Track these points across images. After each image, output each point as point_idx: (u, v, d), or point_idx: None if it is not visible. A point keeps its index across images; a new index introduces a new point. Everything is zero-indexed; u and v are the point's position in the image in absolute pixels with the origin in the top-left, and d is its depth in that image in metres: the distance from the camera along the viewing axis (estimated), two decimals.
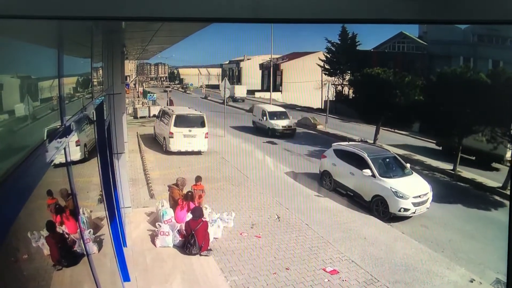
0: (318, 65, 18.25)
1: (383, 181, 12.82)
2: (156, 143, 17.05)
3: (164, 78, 21.14)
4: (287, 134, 18.12)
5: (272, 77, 19.80)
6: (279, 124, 18.10)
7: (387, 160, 13.55)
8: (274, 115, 18.31)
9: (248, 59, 20.85)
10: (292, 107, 19.08)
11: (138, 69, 20.36)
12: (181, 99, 20.25)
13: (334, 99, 18.34)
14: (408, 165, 13.55)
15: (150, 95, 19.56)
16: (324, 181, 14.30)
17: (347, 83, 18.04)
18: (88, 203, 9.33)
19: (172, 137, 15.80)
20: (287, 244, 11.58)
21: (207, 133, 15.94)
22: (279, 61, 19.84)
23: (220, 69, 21.65)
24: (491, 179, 13.92)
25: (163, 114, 17.00)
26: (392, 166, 13.46)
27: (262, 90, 20.81)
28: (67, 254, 6.66)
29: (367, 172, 13.02)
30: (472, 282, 10.27)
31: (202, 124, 15.97)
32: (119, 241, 9.57)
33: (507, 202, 12.74)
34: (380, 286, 10.02)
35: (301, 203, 13.41)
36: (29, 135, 4.65)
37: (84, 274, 6.94)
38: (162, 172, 15.00)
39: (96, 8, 3.69)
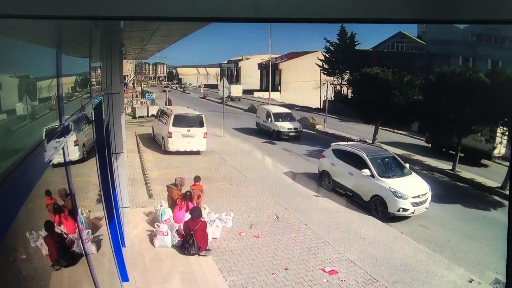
0: (317, 64, 18.23)
1: (382, 181, 12.82)
2: (154, 143, 17.04)
3: (163, 77, 21.14)
4: (293, 137, 17.78)
5: (270, 77, 19.79)
6: (285, 126, 17.79)
7: (386, 160, 13.55)
8: (279, 116, 18.02)
9: (246, 59, 20.85)
10: (291, 106, 19.02)
11: (137, 68, 20.36)
12: (180, 98, 20.24)
13: (333, 99, 18.33)
14: (407, 165, 13.56)
15: (149, 95, 19.54)
16: (323, 181, 14.30)
17: (346, 83, 18.02)
18: (86, 203, 9.32)
19: (171, 137, 15.79)
20: (286, 244, 11.57)
21: (206, 132, 15.94)
22: (277, 60, 19.84)
23: (219, 68, 21.66)
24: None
25: (161, 114, 16.99)
26: (391, 166, 13.46)
27: (260, 90, 20.80)
28: (65, 254, 6.65)
29: (366, 172, 13.02)
30: (471, 282, 10.27)
31: (201, 124, 15.97)
32: (117, 241, 9.56)
33: (506, 202, 12.75)
34: (379, 286, 10.01)
35: (300, 203, 13.41)
36: (28, 134, 4.64)
37: (82, 274, 6.93)
38: (160, 172, 14.99)
39: (94, 8, 3.68)
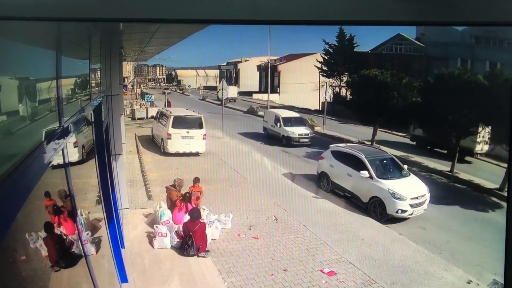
0: (316, 66, 18.22)
1: (381, 182, 12.83)
2: (154, 144, 17.03)
3: (162, 79, 21.11)
4: (305, 144, 16.95)
5: (269, 79, 19.77)
6: (295, 131, 17.04)
7: (385, 161, 13.56)
8: (289, 121, 17.31)
9: (245, 61, 20.82)
10: (290, 108, 18.99)
11: (136, 70, 20.34)
12: (179, 100, 20.23)
13: (331, 101, 18.28)
14: (405, 166, 13.57)
15: (148, 97, 19.53)
16: (321, 183, 14.30)
17: (345, 85, 18.00)
18: (86, 205, 9.34)
19: (170, 139, 15.78)
20: (285, 245, 11.59)
21: (205, 134, 15.94)
22: (276, 62, 19.81)
23: (218, 70, 21.64)
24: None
25: (161, 116, 16.99)
26: (390, 168, 13.47)
27: (259, 92, 20.77)
28: (65, 255, 6.67)
29: (365, 173, 13.04)
30: (469, 283, 10.29)
31: (200, 126, 15.95)
32: (117, 243, 9.58)
33: (504, 204, 12.72)
34: (377, 287, 10.04)
35: (299, 205, 13.41)
36: (28, 136, 4.66)
37: (82, 275, 6.95)
38: (160, 174, 14.99)
39: (94, 10, 3.71)
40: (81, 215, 8.47)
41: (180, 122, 15.94)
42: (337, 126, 17.91)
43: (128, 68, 19.73)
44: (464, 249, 11.44)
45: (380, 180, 12.87)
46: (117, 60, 12.46)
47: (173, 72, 21.51)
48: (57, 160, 5.62)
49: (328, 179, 14.10)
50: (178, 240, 11.28)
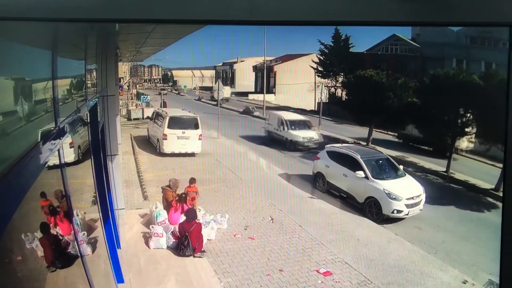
0: (312, 67, 18.21)
1: (376, 182, 12.86)
2: (149, 145, 17.02)
3: (158, 80, 21.08)
4: (312, 148, 16.22)
5: (265, 79, 19.75)
6: (301, 135, 16.49)
7: (380, 161, 13.58)
8: (294, 124, 16.79)
9: (241, 61, 20.81)
10: (286, 109, 18.98)
11: (132, 71, 20.31)
12: (175, 101, 20.21)
13: (327, 101, 18.26)
14: (401, 166, 13.59)
15: (144, 97, 19.50)
16: (317, 183, 14.30)
17: (340, 85, 18.00)
18: (82, 205, 9.33)
19: (166, 139, 15.77)
20: (281, 245, 11.60)
21: (201, 134, 15.93)
22: (272, 63, 19.79)
23: (214, 71, 21.61)
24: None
25: (156, 116, 16.98)
26: (385, 168, 13.49)
27: (255, 92, 20.76)
28: (61, 255, 6.66)
29: (360, 173, 13.05)
30: (465, 283, 10.32)
31: (196, 126, 15.94)
32: (113, 243, 9.58)
33: (499, 204, 12.76)
34: (373, 287, 10.06)
35: (295, 205, 13.42)
36: (23, 137, 4.66)
37: (78, 276, 6.94)
38: (155, 174, 14.98)
39: (90, 10, 3.71)
40: (77, 215, 8.47)
41: (176, 123, 15.93)
42: (332, 127, 17.91)
43: (124, 69, 19.70)
44: (459, 249, 11.47)
45: (375, 180, 12.90)
46: (113, 60, 12.47)
47: (169, 73, 21.49)
48: (53, 160, 5.61)
49: (324, 179, 14.11)
50: (174, 240, 11.28)
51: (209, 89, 20.62)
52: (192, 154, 15.86)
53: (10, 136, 4.30)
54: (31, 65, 5.07)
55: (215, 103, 18.64)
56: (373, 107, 15.35)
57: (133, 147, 17.08)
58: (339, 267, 10.72)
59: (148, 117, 18.37)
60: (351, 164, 13.41)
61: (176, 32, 12.53)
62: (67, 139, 7.21)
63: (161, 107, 18.95)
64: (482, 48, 14.33)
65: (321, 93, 18.08)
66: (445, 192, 13.84)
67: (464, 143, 14.26)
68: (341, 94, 17.97)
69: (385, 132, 16.34)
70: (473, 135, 14.02)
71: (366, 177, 12.97)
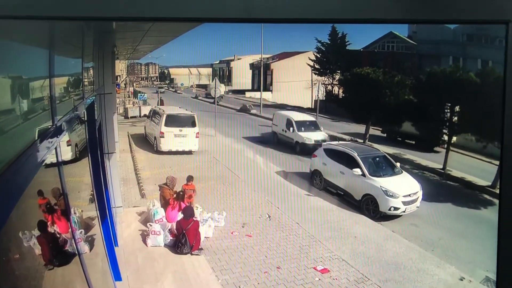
0: (308, 64, 18.19)
1: (373, 180, 12.88)
2: (147, 142, 17.00)
3: (155, 78, 21.05)
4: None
5: (262, 77, 19.73)
6: (310, 137, 15.87)
7: (377, 159, 13.61)
8: (302, 125, 16.21)
9: (238, 59, 20.78)
10: (283, 106, 18.96)
11: (129, 69, 20.27)
12: (172, 98, 20.18)
13: (324, 99, 18.25)
14: (398, 164, 13.61)
15: (141, 95, 19.48)
16: (314, 180, 14.31)
17: (337, 83, 17.99)
18: (79, 203, 9.31)
19: (163, 137, 15.76)
20: (278, 243, 11.62)
21: (198, 132, 15.92)
22: (269, 60, 19.76)
23: (211, 69, 21.58)
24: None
25: (153, 114, 16.96)
26: (382, 165, 13.51)
27: (252, 90, 20.73)
28: (58, 253, 6.65)
29: (357, 171, 13.07)
30: (462, 280, 10.36)
31: (193, 124, 15.93)
32: (110, 241, 9.58)
33: (496, 201, 12.77)
34: (370, 284, 10.08)
35: (292, 202, 13.44)
36: (20, 135, 4.65)
37: (75, 274, 6.94)
38: (153, 172, 14.97)
39: (87, 9, 3.71)
40: (75, 213, 8.45)
41: (173, 121, 15.93)
42: (329, 124, 17.90)
43: (121, 67, 19.67)
44: (456, 246, 11.50)
45: (372, 177, 12.92)
46: (110, 58, 12.45)
47: (165, 71, 21.46)
48: (50, 158, 5.61)
49: (321, 177, 14.12)
50: (171, 238, 11.29)
51: (206, 87, 20.58)
52: (189, 152, 15.85)
53: (7, 135, 4.30)
54: (28, 64, 5.07)
55: (210, 100, 18.60)
56: (369, 105, 15.36)
57: (130, 145, 17.06)
58: (337, 264, 10.74)
59: (145, 115, 18.34)
60: (348, 161, 13.43)
61: (173, 30, 12.52)
62: (64, 137, 7.20)
63: (158, 105, 18.94)
64: (479, 45, 14.36)
65: (317, 91, 18.05)
66: (442, 189, 13.87)
67: (460, 140, 14.29)
68: (338, 91, 17.97)
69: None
70: (470, 133, 14.05)
71: (363, 175, 12.99)
